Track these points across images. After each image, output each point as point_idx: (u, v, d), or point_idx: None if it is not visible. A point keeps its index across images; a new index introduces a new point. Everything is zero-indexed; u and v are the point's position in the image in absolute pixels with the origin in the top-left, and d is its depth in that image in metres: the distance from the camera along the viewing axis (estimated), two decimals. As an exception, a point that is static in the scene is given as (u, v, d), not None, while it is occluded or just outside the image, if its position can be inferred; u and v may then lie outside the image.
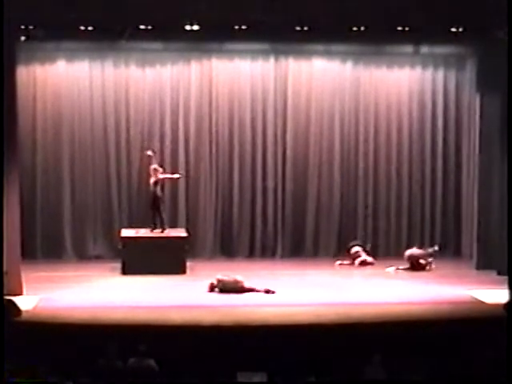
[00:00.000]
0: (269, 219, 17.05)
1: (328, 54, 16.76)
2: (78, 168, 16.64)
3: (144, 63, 16.64)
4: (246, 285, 13.26)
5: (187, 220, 16.79)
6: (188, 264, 15.06)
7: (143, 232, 15.37)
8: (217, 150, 16.91)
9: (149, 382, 9.21)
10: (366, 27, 14.04)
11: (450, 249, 17.19)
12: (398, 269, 15.60)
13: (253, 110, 16.89)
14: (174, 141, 16.82)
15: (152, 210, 15.49)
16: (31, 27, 13.66)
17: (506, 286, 11.47)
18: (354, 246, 16.33)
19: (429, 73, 17.15)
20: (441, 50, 16.42)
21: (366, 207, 17.04)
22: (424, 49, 16.20)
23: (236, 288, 13.19)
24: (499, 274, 14.19)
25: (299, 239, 17.10)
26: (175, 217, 16.80)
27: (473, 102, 16.00)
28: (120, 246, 15.20)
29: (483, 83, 15.26)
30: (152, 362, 9.37)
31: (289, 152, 17.01)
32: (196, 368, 9.70)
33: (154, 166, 15.50)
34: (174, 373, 9.37)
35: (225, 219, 17.02)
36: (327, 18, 13.61)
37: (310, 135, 17.03)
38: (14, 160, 13.21)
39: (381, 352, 9.32)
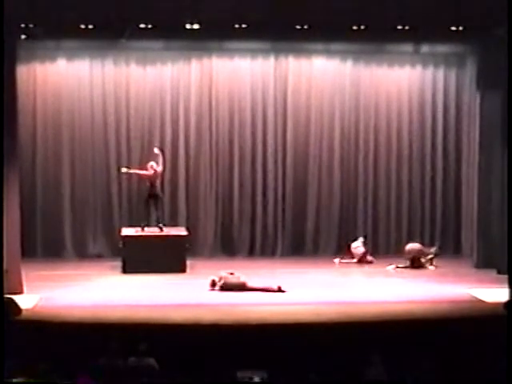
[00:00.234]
0: (269, 218, 17.06)
1: (328, 53, 16.77)
2: (78, 166, 16.65)
3: (144, 62, 16.65)
4: (251, 284, 13.29)
5: (187, 218, 16.81)
6: (188, 262, 15.06)
7: (145, 230, 15.39)
8: (217, 149, 16.91)
9: (149, 380, 9.21)
10: (366, 26, 14.02)
11: (449, 247, 17.20)
12: (397, 267, 15.62)
13: (253, 109, 16.90)
14: (175, 139, 16.83)
15: (146, 207, 15.46)
16: (32, 25, 13.63)
17: (506, 284, 11.49)
18: (356, 241, 16.34)
19: (429, 72, 17.15)
20: (441, 48, 16.43)
21: None
22: (424, 47, 16.21)
23: (239, 287, 13.22)
24: (499, 272, 14.19)
25: (299, 238, 17.10)
26: (175, 215, 16.81)
27: (473, 100, 15.98)
28: (120, 245, 15.20)
29: (483, 82, 15.25)
30: (152, 361, 9.38)
31: (289, 150, 17.02)
32: (196, 366, 9.71)
33: (151, 163, 15.46)
34: (174, 372, 9.37)
35: (225, 218, 17.03)
36: (327, 16, 13.59)
37: (310, 134, 17.04)
38: (13, 159, 13.22)
39: (381, 351, 9.32)
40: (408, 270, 15.50)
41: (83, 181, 16.66)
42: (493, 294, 12.70)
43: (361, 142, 17.16)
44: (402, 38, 15.14)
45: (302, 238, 17.10)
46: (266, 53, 16.75)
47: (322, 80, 16.97)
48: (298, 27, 14.13)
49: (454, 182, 17.27)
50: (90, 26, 13.78)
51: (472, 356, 9.58)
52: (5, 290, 10.91)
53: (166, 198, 16.75)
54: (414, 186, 17.31)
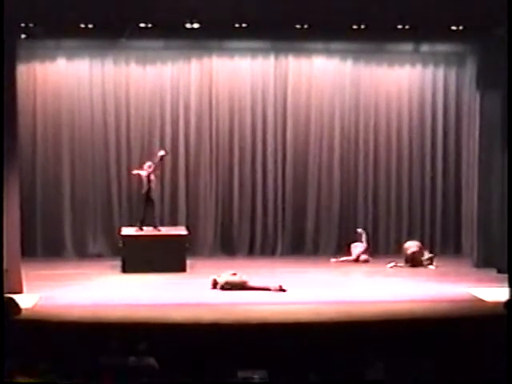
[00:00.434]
0: (269, 217, 17.06)
1: (328, 52, 16.77)
2: (78, 166, 16.65)
3: (144, 61, 16.65)
4: (252, 283, 13.30)
5: (187, 218, 16.81)
6: (188, 262, 15.06)
7: (145, 229, 15.39)
8: (217, 148, 16.92)
9: (149, 380, 9.20)
10: (366, 25, 14.02)
11: (449, 247, 17.21)
12: (396, 265, 15.63)
13: (253, 108, 16.90)
14: (175, 138, 16.83)
15: (145, 208, 15.46)
16: (31, 25, 13.62)
17: (506, 284, 11.49)
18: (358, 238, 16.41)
19: (429, 71, 17.15)
20: (441, 48, 16.43)
21: None
22: (424, 47, 16.22)
23: (240, 286, 13.22)
24: (499, 272, 14.19)
25: (299, 237, 17.11)
26: (175, 215, 16.82)
27: (473, 100, 15.98)
28: (120, 244, 15.20)
29: (483, 81, 15.26)
30: (152, 361, 9.37)
31: (289, 150, 17.02)
32: (196, 366, 9.70)
33: (148, 163, 15.44)
34: (174, 371, 9.36)
35: (225, 217, 17.03)
36: (327, 15, 13.59)
37: (310, 133, 17.04)
38: (13, 159, 13.21)
39: (381, 351, 9.31)
40: (408, 270, 15.52)
41: (83, 180, 16.66)
42: (493, 293, 12.69)
43: (361, 141, 17.16)
44: (402, 37, 15.13)
45: (302, 238, 17.11)
46: (266, 52, 16.75)
47: (322, 79, 16.97)
48: (298, 26, 14.12)
49: (453, 182, 17.27)
50: (90, 26, 13.78)
51: (472, 356, 9.56)
52: (4, 290, 10.87)
53: (166, 198, 16.78)
54: (414, 186, 17.31)
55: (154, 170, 15.32)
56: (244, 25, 14.00)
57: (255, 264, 15.70)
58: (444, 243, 17.15)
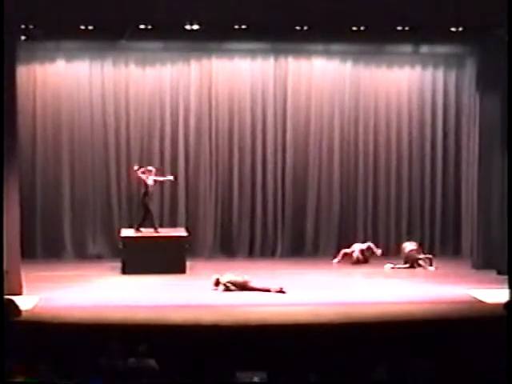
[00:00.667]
0: (269, 218, 17.06)
1: (328, 54, 16.78)
2: (77, 167, 16.66)
3: (144, 63, 16.65)
4: (253, 284, 13.31)
5: (187, 219, 16.80)
6: (188, 263, 15.07)
7: (144, 231, 15.40)
8: (216, 149, 16.92)
9: (149, 381, 9.20)
10: (366, 27, 14.05)
11: (449, 248, 17.22)
12: (394, 266, 15.64)
13: (252, 110, 16.90)
14: (174, 140, 16.84)
15: (144, 211, 15.46)
16: (31, 26, 13.68)
17: (506, 285, 11.47)
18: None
19: (429, 72, 17.16)
20: (441, 49, 16.44)
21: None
22: (424, 48, 16.23)
23: (242, 286, 13.23)
24: (499, 273, 14.19)
25: (299, 238, 17.11)
26: (175, 216, 16.82)
27: (473, 101, 16.00)
28: (120, 246, 15.21)
29: (483, 82, 15.27)
30: (152, 362, 9.37)
31: (288, 151, 17.03)
32: (196, 367, 9.70)
33: (150, 168, 15.48)
34: (174, 372, 9.36)
35: (224, 218, 17.03)
36: (327, 17, 13.60)
37: (310, 134, 17.05)
38: (13, 159, 13.22)
39: (380, 352, 9.32)
40: (407, 271, 15.52)
41: (83, 181, 16.66)
42: (492, 294, 12.70)
43: (360, 142, 17.16)
44: (401, 38, 15.17)
45: (302, 239, 17.11)
46: (265, 53, 16.75)
47: (322, 81, 16.97)
48: (298, 28, 14.17)
49: (453, 182, 17.28)
50: (90, 27, 13.82)
51: (472, 356, 9.56)
52: (4, 291, 10.88)
53: (166, 199, 16.78)
54: (413, 186, 17.31)
55: (153, 181, 15.35)
56: (243, 26, 14.03)
57: (255, 265, 15.70)
58: (443, 244, 17.16)
